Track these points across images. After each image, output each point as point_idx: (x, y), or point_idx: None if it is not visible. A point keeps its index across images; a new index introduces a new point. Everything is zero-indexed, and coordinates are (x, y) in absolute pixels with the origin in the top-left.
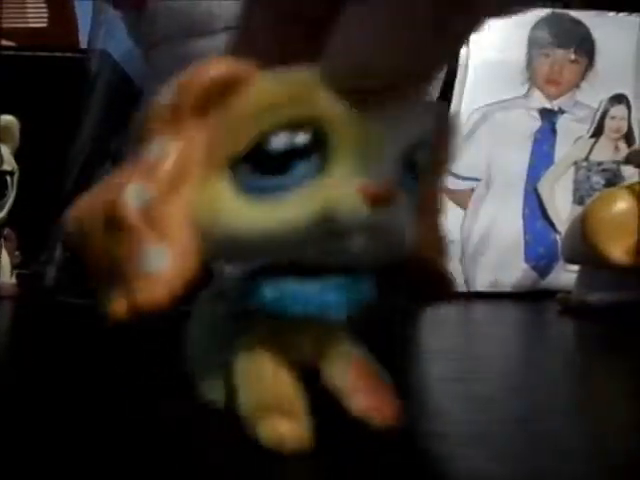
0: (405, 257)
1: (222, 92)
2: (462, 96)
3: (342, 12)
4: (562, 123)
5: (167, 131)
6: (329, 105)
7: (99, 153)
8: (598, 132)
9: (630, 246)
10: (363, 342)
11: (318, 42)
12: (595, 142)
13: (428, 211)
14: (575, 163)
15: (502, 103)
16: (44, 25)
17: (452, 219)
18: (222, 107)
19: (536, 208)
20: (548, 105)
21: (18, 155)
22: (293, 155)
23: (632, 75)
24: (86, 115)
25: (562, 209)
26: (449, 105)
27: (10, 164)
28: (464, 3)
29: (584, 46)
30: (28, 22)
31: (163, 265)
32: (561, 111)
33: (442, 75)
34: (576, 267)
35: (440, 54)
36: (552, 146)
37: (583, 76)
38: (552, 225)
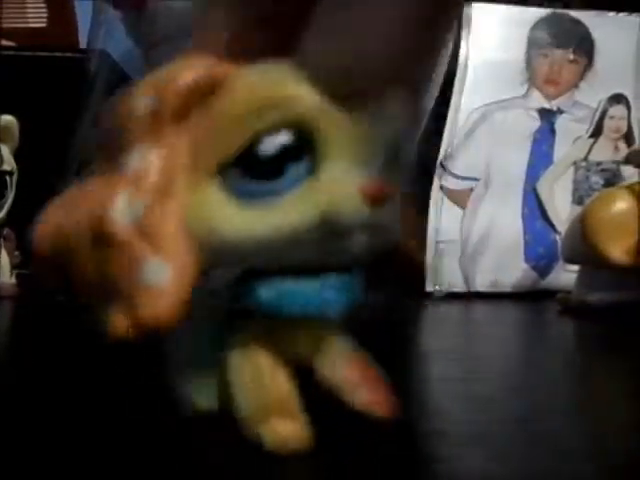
0: (391, 250)
1: (202, 95)
2: (461, 96)
3: (318, 13)
4: (561, 123)
5: (147, 139)
6: (313, 105)
7: None
8: (597, 132)
9: (630, 246)
10: (363, 342)
11: (282, 39)
12: (594, 142)
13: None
14: (574, 163)
15: (501, 103)
16: (44, 25)
17: (451, 218)
18: (202, 109)
19: (535, 208)
20: (547, 105)
21: (18, 155)
22: (284, 158)
23: (632, 75)
24: (85, 115)
25: (561, 209)
26: (449, 105)
27: (10, 164)
28: (449, 3)
29: (583, 46)
30: (28, 22)
31: (163, 278)
32: (560, 111)
33: (442, 75)
34: (576, 267)
35: (422, 55)
36: (551, 146)
37: (582, 76)
38: (551, 225)
